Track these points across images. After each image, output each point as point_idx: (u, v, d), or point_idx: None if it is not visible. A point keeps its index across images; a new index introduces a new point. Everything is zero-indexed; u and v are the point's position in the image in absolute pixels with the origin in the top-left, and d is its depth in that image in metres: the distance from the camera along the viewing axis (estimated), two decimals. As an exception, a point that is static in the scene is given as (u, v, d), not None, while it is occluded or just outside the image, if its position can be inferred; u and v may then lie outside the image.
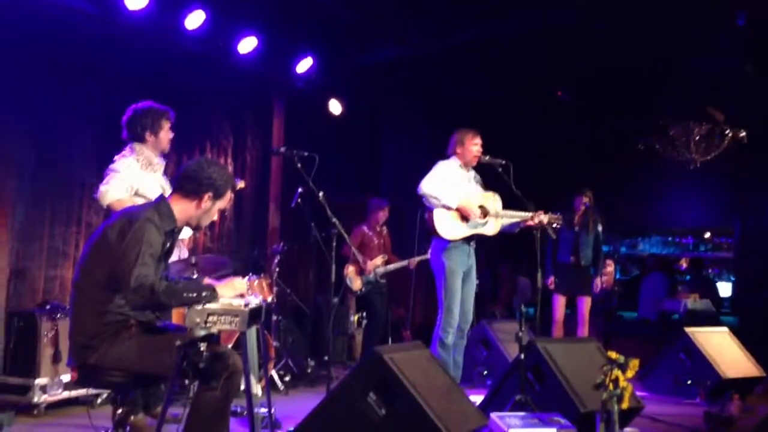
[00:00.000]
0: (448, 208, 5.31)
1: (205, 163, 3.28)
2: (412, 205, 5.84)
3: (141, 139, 4.35)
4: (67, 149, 5.85)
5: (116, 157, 4.33)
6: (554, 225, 5.49)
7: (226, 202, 3.32)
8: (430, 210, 5.36)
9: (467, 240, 5.41)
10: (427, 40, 7.55)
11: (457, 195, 5.35)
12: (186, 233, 4.61)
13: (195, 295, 2.99)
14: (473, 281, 5.50)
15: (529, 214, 5.35)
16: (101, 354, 3.04)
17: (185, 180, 3.21)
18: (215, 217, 3.38)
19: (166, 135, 4.40)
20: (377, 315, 7.18)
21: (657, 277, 9.88)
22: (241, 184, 4.89)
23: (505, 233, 5.55)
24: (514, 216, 5.42)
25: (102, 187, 4.16)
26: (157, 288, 2.91)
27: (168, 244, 3.21)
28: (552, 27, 7.18)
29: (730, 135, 8.47)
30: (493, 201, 5.48)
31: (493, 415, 3.83)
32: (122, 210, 3.30)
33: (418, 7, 7.05)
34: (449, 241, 5.34)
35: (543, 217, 5.36)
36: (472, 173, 5.58)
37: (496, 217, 5.44)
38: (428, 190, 5.30)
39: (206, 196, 3.21)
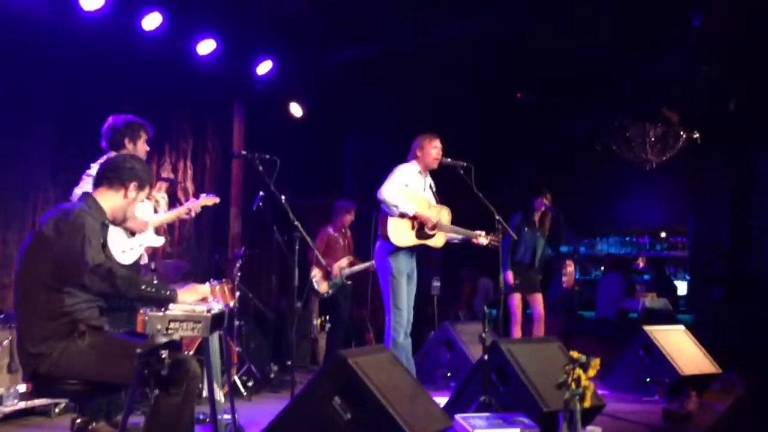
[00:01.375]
0: (404, 216, 5.34)
1: (125, 156, 3.48)
2: (374, 207, 5.85)
3: (119, 147, 4.44)
4: (21, 151, 5.71)
5: (92, 165, 4.36)
6: (491, 245, 5.59)
7: (144, 195, 3.40)
8: (386, 215, 5.38)
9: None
10: (390, 41, 7.55)
11: (415, 202, 5.39)
12: (158, 241, 4.63)
13: (153, 291, 2.94)
14: (415, 283, 5.56)
15: (473, 233, 5.52)
16: (53, 361, 2.97)
17: (110, 171, 3.29)
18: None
19: (143, 146, 4.53)
20: (342, 318, 7.14)
21: (615, 277, 10.02)
22: (215, 200, 4.96)
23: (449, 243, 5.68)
24: (460, 232, 5.57)
25: (76, 190, 4.25)
26: (115, 271, 2.89)
27: (102, 239, 3.18)
28: (512, 28, 7.24)
29: (684, 136, 8.65)
30: (442, 214, 5.54)
31: (458, 417, 3.85)
32: (54, 208, 3.26)
33: (381, 8, 7.05)
34: (396, 245, 5.39)
35: (483, 240, 5.53)
36: (429, 180, 5.64)
37: (443, 231, 5.51)
38: (388, 197, 5.31)
39: (132, 186, 3.28)
